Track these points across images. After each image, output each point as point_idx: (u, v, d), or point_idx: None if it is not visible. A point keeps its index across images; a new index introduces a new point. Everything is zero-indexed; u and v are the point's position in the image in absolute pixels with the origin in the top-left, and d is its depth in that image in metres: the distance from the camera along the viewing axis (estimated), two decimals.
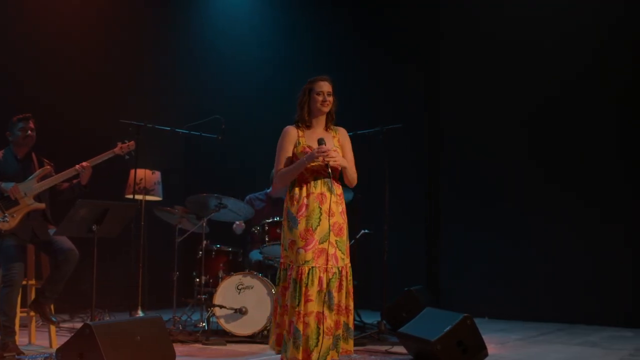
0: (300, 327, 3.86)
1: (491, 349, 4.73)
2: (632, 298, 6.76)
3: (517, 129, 7.55)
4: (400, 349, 4.99)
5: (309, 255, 3.92)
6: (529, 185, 7.46)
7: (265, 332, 5.61)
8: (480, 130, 7.76)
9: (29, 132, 4.96)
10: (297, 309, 3.86)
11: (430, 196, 8.18)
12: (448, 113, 8.11)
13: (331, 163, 3.96)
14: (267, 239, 5.87)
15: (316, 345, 3.85)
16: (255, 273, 5.72)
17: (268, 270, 6.13)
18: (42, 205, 4.89)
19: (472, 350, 4.41)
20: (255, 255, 6.31)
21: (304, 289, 3.88)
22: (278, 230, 5.83)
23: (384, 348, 5.17)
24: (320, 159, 3.93)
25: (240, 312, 5.58)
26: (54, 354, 4.06)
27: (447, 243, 8.04)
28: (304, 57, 8.71)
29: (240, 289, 5.64)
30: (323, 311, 3.89)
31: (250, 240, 6.53)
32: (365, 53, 8.50)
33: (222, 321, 5.61)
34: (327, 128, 4.17)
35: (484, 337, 4.53)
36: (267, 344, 5.26)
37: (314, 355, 3.84)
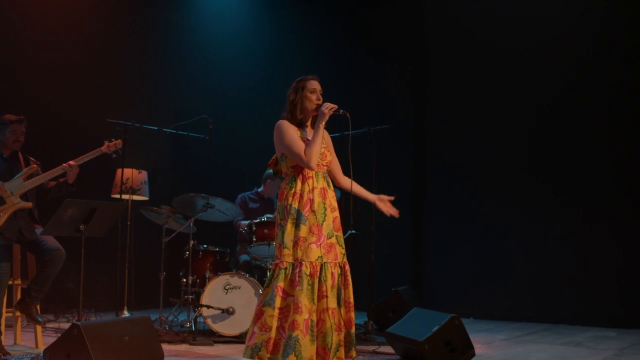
0: (317, 325, 3.83)
1: (477, 348, 4.76)
2: (616, 298, 6.83)
3: (505, 129, 7.59)
4: (388, 349, 5.01)
5: (321, 251, 3.90)
6: (515, 185, 7.51)
7: None
8: (469, 131, 7.80)
9: (20, 137, 4.94)
10: (314, 307, 3.81)
11: (416, 197, 8.22)
12: (435, 113, 8.14)
13: (330, 107, 4.00)
14: (254, 239, 5.87)
15: (332, 343, 3.84)
16: (242, 273, 5.71)
17: (255, 271, 6.13)
18: (29, 205, 4.85)
19: (459, 350, 4.44)
20: (243, 255, 6.31)
21: (317, 285, 3.85)
22: (266, 231, 5.84)
23: (371, 348, 5.18)
24: (329, 110, 3.99)
25: (228, 312, 5.57)
26: (40, 355, 4.04)
27: (433, 244, 8.08)
28: (291, 57, 8.73)
29: (227, 289, 5.63)
30: (337, 307, 3.90)
31: (237, 240, 6.53)
32: (352, 53, 8.53)
33: (209, 321, 5.60)
34: (313, 127, 4.16)
35: (470, 337, 4.56)
36: None
37: (332, 354, 3.82)
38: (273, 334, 3.83)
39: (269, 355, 3.81)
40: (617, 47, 7.07)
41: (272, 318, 3.84)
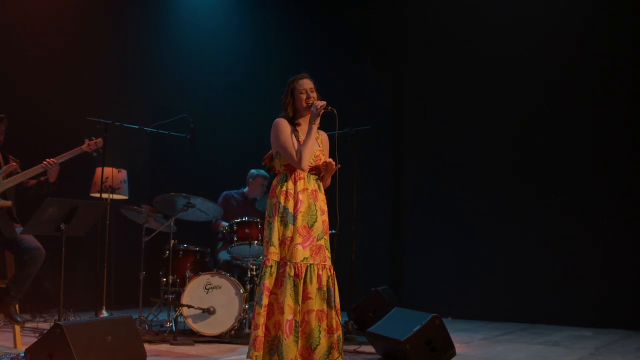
0: (300, 325, 3.84)
1: (457, 348, 4.79)
2: (592, 298, 6.92)
3: (486, 130, 7.65)
4: (369, 349, 5.03)
5: (307, 252, 3.91)
6: (493, 186, 7.57)
7: (233, 332, 5.60)
8: (450, 132, 7.85)
9: (0, 136, 4.89)
10: (298, 307, 3.83)
11: (394, 198, 8.26)
12: (417, 115, 8.17)
13: (320, 105, 4.00)
14: (235, 238, 5.87)
15: (318, 344, 3.85)
16: (223, 273, 5.71)
17: (235, 270, 6.13)
18: (9, 203, 4.81)
19: (440, 349, 4.47)
20: (223, 255, 6.30)
21: (302, 286, 3.86)
22: (247, 230, 5.85)
23: (352, 348, 5.21)
24: (320, 109, 4.00)
25: (208, 312, 5.56)
26: (20, 354, 3.99)
27: (411, 244, 8.12)
28: (272, 57, 8.71)
29: (208, 289, 5.62)
30: (325, 309, 3.90)
31: (218, 239, 6.51)
32: (334, 54, 8.53)
33: (189, 321, 5.58)
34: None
35: None
36: (235, 343, 5.31)
37: (317, 355, 3.83)
38: (260, 332, 3.86)
39: (256, 354, 3.83)
40: (602, 49, 7.16)
41: (260, 316, 3.87)
